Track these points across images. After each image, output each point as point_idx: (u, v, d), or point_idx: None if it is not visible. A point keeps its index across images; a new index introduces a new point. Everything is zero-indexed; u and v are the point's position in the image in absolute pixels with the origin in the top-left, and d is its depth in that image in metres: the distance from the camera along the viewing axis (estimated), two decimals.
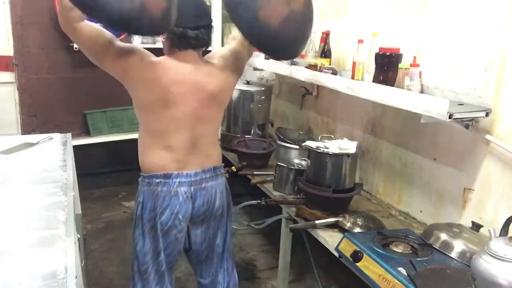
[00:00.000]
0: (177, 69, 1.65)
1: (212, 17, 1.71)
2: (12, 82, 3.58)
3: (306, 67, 2.57)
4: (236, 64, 1.81)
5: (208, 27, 1.68)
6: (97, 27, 1.59)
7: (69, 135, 2.46)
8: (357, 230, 1.92)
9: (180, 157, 1.71)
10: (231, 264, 1.97)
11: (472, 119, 1.72)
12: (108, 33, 1.61)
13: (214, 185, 1.79)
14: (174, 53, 1.67)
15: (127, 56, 1.60)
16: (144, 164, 1.74)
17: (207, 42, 1.69)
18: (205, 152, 1.77)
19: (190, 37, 1.62)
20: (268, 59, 3.06)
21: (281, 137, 2.90)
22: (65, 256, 1.25)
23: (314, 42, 2.66)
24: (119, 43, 1.62)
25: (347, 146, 2.13)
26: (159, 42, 3.81)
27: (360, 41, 2.11)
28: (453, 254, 1.64)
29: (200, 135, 1.73)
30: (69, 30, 1.56)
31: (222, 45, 3.66)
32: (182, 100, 1.65)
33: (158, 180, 1.69)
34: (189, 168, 1.73)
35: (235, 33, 1.85)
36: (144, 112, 1.68)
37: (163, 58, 1.68)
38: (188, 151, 1.72)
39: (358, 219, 1.96)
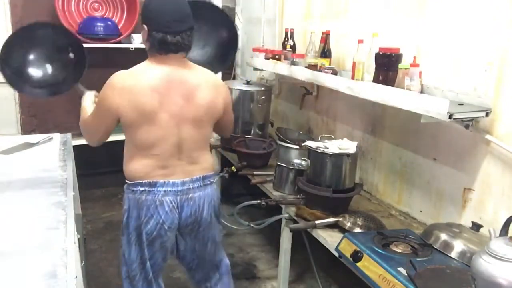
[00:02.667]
0: (158, 75, 1.61)
1: (192, 20, 1.64)
2: None
3: (306, 67, 2.57)
4: (211, 115, 1.77)
5: (190, 31, 1.63)
6: (103, 127, 1.70)
7: (69, 135, 2.46)
8: (357, 230, 1.92)
9: (166, 163, 1.66)
10: (225, 270, 1.98)
11: (472, 119, 1.72)
12: (106, 120, 1.67)
13: (202, 196, 1.74)
14: (154, 56, 1.65)
15: (118, 111, 1.61)
16: (128, 171, 1.70)
17: (188, 46, 1.65)
18: (192, 158, 1.72)
19: (170, 43, 1.59)
20: (268, 59, 3.07)
21: (281, 137, 2.90)
22: (65, 256, 1.25)
23: (314, 42, 2.66)
24: (102, 114, 1.67)
25: (347, 146, 2.13)
26: None
27: (360, 41, 2.11)
28: (453, 254, 1.64)
29: (186, 139, 1.68)
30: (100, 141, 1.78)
31: None
32: (166, 103, 1.61)
33: (142, 189, 1.65)
34: (176, 176, 1.68)
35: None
36: (130, 129, 1.64)
37: (142, 67, 1.65)
38: (174, 156, 1.67)
39: (358, 219, 1.96)
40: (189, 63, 1.71)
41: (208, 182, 1.77)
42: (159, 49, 1.61)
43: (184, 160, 1.70)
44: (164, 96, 1.60)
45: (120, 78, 1.61)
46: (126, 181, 1.71)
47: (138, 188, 1.66)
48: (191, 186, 1.70)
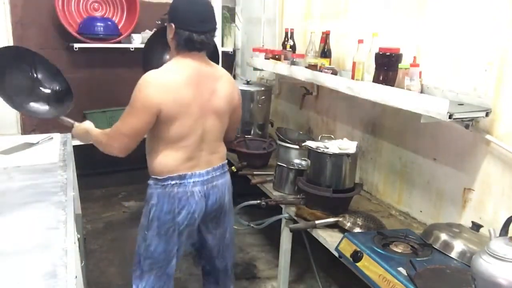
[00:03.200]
0: (188, 70, 1.70)
1: (216, 22, 1.75)
2: None
3: (306, 67, 2.57)
4: (230, 107, 1.87)
5: (213, 31, 1.74)
6: (133, 129, 1.68)
7: (69, 135, 2.46)
8: (357, 230, 1.92)
9: (192, 155, 1.75)
10: (232, 255, 2.08)
11: (472, 119, 1.72)
12: (138, 119, 1.66)
13: (223, 183, 1.87)
14: (179, 54, 1.73)
15: (160, 106, 1.63)
16: (156, 168, 1.74)
17: (211, 46, 1.76)
18: (212, 148, 1.81)
19: (195, 41, 1.68)
20: (268, 59, 3.07)
21: (281, 137, 2.90)
22: (65, 256, 1.25)
23: (314, 42, 2.66)
24: (142, 113, 1.65)
25: (347, 146, 2.13)
26: None
27: (360, 41, 2.11)
28: (453, 254, 1.64)
29: (209, 130, 1.78)
30: (129, 150, 1.73)
31: (222, 45, 3.66)
32: (197, 96, 1.70)
33: (173, 182, 1.72)
34: (200, 167, 1.78)
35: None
36: (166, 123, 1.68)
37: (171, 64, 1.72)
38: (198, 147, 1.76)
39: (358, 219, 1.96)
40: (208, 60, 1.81)
41: (226, 170, 1.90)
42: (185, 47, 1.70)
43: (206, 151, 1.79)
44: (196, 89, 1.69)
45: (155, 75, 1.67)
46: (153, 176, 1.76)
47: (169, 182, 1.72)
48: (214, 175, 1.81)
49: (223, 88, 1.80)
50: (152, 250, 1.77)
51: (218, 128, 1.83)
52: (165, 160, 1.73)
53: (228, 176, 1.92)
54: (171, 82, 1.66)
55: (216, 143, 1.84)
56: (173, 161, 1.72)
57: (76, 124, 2.02)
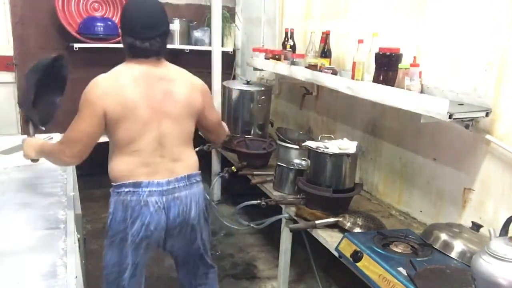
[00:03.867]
0: (136, 71, 1.64)
1: (166, 25, 1.69)
2: (12, 82, 3.58)
3: (306, 67, 2.57)
4: (191, 110, 1.75)
5: (162, 36, 1.66)
6: (82, 134, 1.61)
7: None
8: (357, 230, 1.92)
9: (148, 160, 1.65)
10: (210, 269, 1.94)
11: (472, 119, 1.72)
12: (85, 129, 1.60)
13: (188, 195, 1.72)
14: (128, 59, 1.69)
15: (99, 110, 1.58)
16: (112, 173, 1.68)
17: (160, 51, 1.67)
18: (173, 155, 1.70)
19: (138, 48, 1.63)
20: (268, 59, 3.07)
21: (281, 137, 2.90)
22: (65, 256, 1.26)
23: (314, 42, 2.66)
24: (88, 117, 1.60)
25: (347, 146, 2.13)
26: None
27: (360, 41, 2.11)
28: (453, 254, 1.64)
29: (167, 134, 1.67)
30: (82, 156, 1.65)
31: (222, 45, 3.66)
32: (146, 98, 1.62)
33: (127, 189, 1.63)
34: (161, 175, 1.66)
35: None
36: (114, 126, 1.62)
37: (119, 67, 1.68)
38: (156, 152, 1.66)
39: (358, 219, 1.96)
40: (165, 62, 1.74)
41: (194, 181, 1.75)
42: (129, 53, 1.66)
43: (167, 157, 1.69)
44: (144, 90, 1.63)
45: (99, 78, 1.64)
46: (111, 183, 1.69)
47: (122, 190, 1.64)
48: (176, 186, 1.68)
49: (180, 90, 1.69)
50: (107, 260, 1.70)
51: (177, 133, 1.70)
52: (118, 164, 1.66)
53: (196, 189, 1.75)
54: (114, 84, 1.61)
55: (178, 149, 1.72)
56: (126, 165, 1.64)
57: (27, 141, 1.84)
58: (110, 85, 1.60)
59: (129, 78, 1.62)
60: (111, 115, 1.58)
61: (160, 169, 1.67)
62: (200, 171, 1.81)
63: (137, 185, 1.63)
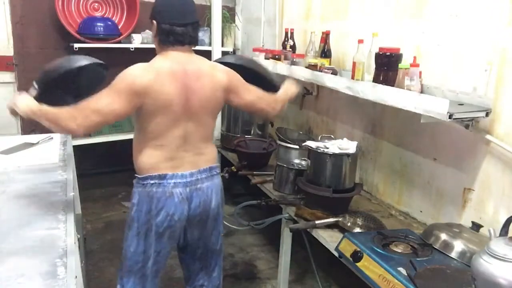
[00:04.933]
0: (169, 68, 1.66)
1: (197, 15, 1.75)
2: (12, 82, 3.58)
3: (306, 67, 2.57)
4: (223, 94, 1.78)
5: (195, 24, 1.72)
6: (96, 109, 1.56)
7: (69, 135, 2.46)
8: (357, 230, 1.92)
9: (173, 155, 1.70)
10: (220, 264, 1.98)
11: (472, 119, 1.72)
12: (106, 105, 1.56)
13: (210, 186, 1.79)
14: (164, 50, 1.71)
15: (140, 93, 1.58)
16: (137, 165, 1.72)
17: (194, 39, 1.73)
18: (198, 149, 1.76)
19: (177, 34, 1.67)
20: (268, 59, 3.07)
21: (281, 137, 2.90)
22: (65, 256, 1.26)
23: (314, 42, 2.66)
24: (124, 95, 1.57)
25: (347, 146, 2.13)
26: None
27: (360, 41, 2.11)
28: (453, 254, 1.64)
29: (192, 132, 1.72)
30: (90, 130, 1.63)
31: (222, 45, 3.66)
32: (176, 96, 1.65)
33: (152, 182, 1.68)
34: (184, 168, 1.72)
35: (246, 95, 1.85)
36: (143, 118, 1.66)
37: (156, 60, 1.69)
38: (180, 148, 1.71)
39: (358, 219, 1.96)
40: (194, 54, 1.77)
41: (215, 173, 1.82)
42: (167, 40, 1.68)
43: (191, 151, 1.74)
44: (180, 88, 1.65)
45: (147, 68, 1.64)
46: (136, 175, 1.72)
47: (148, 181, 1.68)
48: (199, 177, 1.75)
49: (204, 88, 1.71)
50: (132, 251, 1.73)
51: (202, 129, 1.76)
52: (144, 157, 1.70)
53: (217, 180, 1.83)
54: (157, 78, 1.61)
55: (201, 144, 1.78)
56: (151, 158, 1.69)
57: (21, 97, 1.59)
58: (154, 79, 1.61)
59: (169, 74, 1.64)
60: (147, 108, 1.61)
61: (184, 162, 1.73)
62: (219, 164, 1.87)
63: (162, 177, 1.68)
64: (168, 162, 1.70)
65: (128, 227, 1.75)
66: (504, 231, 1.37)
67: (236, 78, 1.83)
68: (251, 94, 1.86)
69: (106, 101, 1.56)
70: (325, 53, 2.57)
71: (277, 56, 2.99)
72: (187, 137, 1.72)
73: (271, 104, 1.92)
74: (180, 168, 1.72)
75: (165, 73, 1.64)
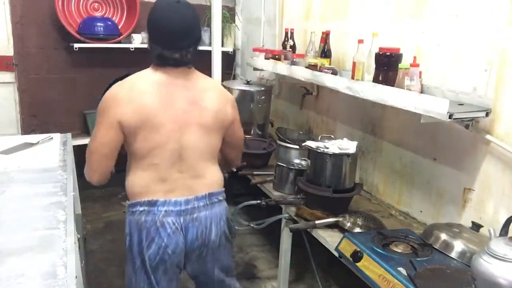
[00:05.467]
0: (158, 77, 1.53)
1: (199, 32, 1.56)
2: (12, 82, 3.58)
3: (306, 67, 2.57)
4: (220, 122, 1.63)
5: (194, 46, 1.54)
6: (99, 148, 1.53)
7: (69, 135, 2.46)
8: (357, 230, 1.92)
9: (165, 175, 1.53)
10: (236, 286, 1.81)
11: (472, 119, 1.72)
12: (106, 141, 1.51)
13: (208, 216, 1.58)
14: (155, 64, 1.56)
15: (114, 119, 1.47)
16: (128, 189, 1.58)
17: (189, 61, 1.55)
18: (195, 170, 1.57)
19: (168, 58, 1.50)
20: (268, 59, 3.07)
21: (281, 137, 2.90)
22: (65, 256, 1.25)
23: (314, 42, 2.66)
24: (105, 127, 1.49)
25: (347, 146, 2.13)
26: None
27: (360, 41, 2.10)
28: (453, 254, 1.64)
29: (188, 147, 1.54)
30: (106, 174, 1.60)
31: (222, 45, 3.66)
32: (168, 106, 1.51)
33: (141, 209, 1.52)
34: (178, 193, 1.54)
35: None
36: (131, 137, 1.51)
37: (142, 73, 1.56)
38: (174, 166, 1.53)
39: (358, 219, 1.96)
40: (194, 71, 1.61)
41: (216, 200, 1.61)
42: (157, 62, 1.54)
43: (186, 173, 1.55)
44: (165, 97, 1.50)
45: (115, 86, 1.52)
46: (127, 201, 1.59)
47: (137, 209, 1.53)
48: (195, 205, 1.55)
49: (210, 99, 1.57)
50: (134, 285, 1.59)
51: (202, 146, 1.56)
52: (133, 180, 1.55)
53: (218, 209, 1.61)
54: (129, 90, 1.48)
55: (200, 165, 1.57)
56: (141, 180, 1.53)
57: None
58: (125, 91, 1.48)
59: (147, 84, 1.50)
60: (128, 124, 1.47)
61: (178, 186, 1.54)
62: (223, 189, 1.67)
63: (152, 203, 1.51)
64: (160, 185, 1.53)
65: (125, 259, 1.61)
66: (504, 231, 1.37)
67: (236, 106, 1.73)
68: (242, 131, 1.79)
69: (97, 140, 1.51)
70: (325, 53, 2.57)
71: (277, 56, 2.99)
72: (182, 154, 1.54)
73: (241, 153, 1.88)
74: (174, 193, 1.53)
75: (143, 86, 1.50)
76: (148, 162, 1.52)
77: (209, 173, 1.61)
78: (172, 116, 1.51)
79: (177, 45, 1.49)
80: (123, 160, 1.61)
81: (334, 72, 2.37)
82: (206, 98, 1.57)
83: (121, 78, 1.59)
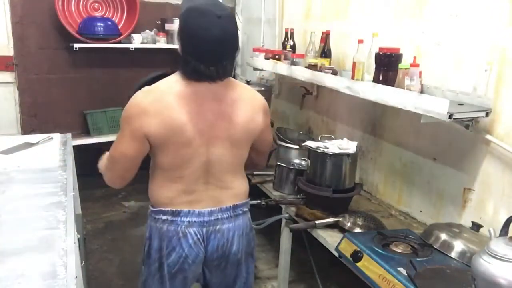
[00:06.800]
0: (187, 89, 1.44)
1: (237, 44, 1.47)
2: (12, 82, 3.59)
3: (306, 67, 2.57)
4: (250, 133, 1.55)
5: (229, 60, 1.44)
6: (123, 155, 1.47)
7: (69, 135, 2.46)
8: (357, 230, 1.92)
9: (191, 187, 1.49)
10: None
11: (472, 119, 1.72)
12: (129, 147, 1.45)
13: (231, 228, 1.55)
14: (187, 78, 1.45)
15: (140, 133, 1.41)
16: (152, 196, 1.55)
17: (225, 75, 1.46)
18: (223, 182, 1.53)
19: (203, 73, 1.40)
20: (268, 59, 3.07)
21: (281, 137, 2.90)
22: (65, 256, 1.25)
23: (314, 42, 2.66)
24: (129, 138, 1.44)
25: (347, 146, 2.13)
26: (159, 42, 3.82)
27: (360, 41, 2.10)
28: (453, 254, 1.64)
29: (216, 160, 1.49)
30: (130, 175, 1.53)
31: None
32: (196, 119, 1.43)
33: (164, 217, 1.49)
34: (203, 204, 1.51)
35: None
36: (157, 148, 1.45)
37: (169, 81, 1.47)
38: (200, 179, 1.50)
39: (358, 219, 1.96)
40: (228, 80, 1.51)
41: (240, 212, 1.58)
42: (190, 75, 1.43)
43: (213, 184, 1.52)
44: (194, 110, 1.43)
45: (141, 96, 1.43)
46: (150, 206, 1.56)
47: (160, 217, 1.50)
48: (219, 217, 1.52)
49: (240, 111, 1.49)
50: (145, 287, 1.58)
51: (231, 158, 1.51)
52: (158, 190, 1.52)
53: (242, 221, 1.58)
54: (159, 101, 1.40)
55: (227, 177, 1.53)
56: (166, 192, 1.50)
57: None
58: (153, 102, 1.40)
59: (177, 96, 1.41)
60: (154, 137, 1.41)
61: (204, 197, 1.52)
62: (249, 199, 1.64)
63: (176, 213, 1.49)
64: (186, 196, 1.50)
65: (143, 262, 1.59)
66: (504, 231, 1.37)
67: (269, 112, 1.64)
68: (271, 136, 1.71)
69: (119, 150, 1.46)
70: (325, 53, 2.57)
71: (277, 56, 2.99)
72: (209, 167, 1.49)
73: (265, 160, 1.80)
74: (199, 204, 1.50)
75: (171, 98, 1.41)
76: (175, 174, 1.49)
77: (236, 184, 1.58)
78: (200, 129, 1.45)
79: (216, 60, 1.40)
80: (145, 159, 1.59)
81: (334, 72, 2.37)
82: (237, 110, 1.49)
83: (150, 81, 1.54)
